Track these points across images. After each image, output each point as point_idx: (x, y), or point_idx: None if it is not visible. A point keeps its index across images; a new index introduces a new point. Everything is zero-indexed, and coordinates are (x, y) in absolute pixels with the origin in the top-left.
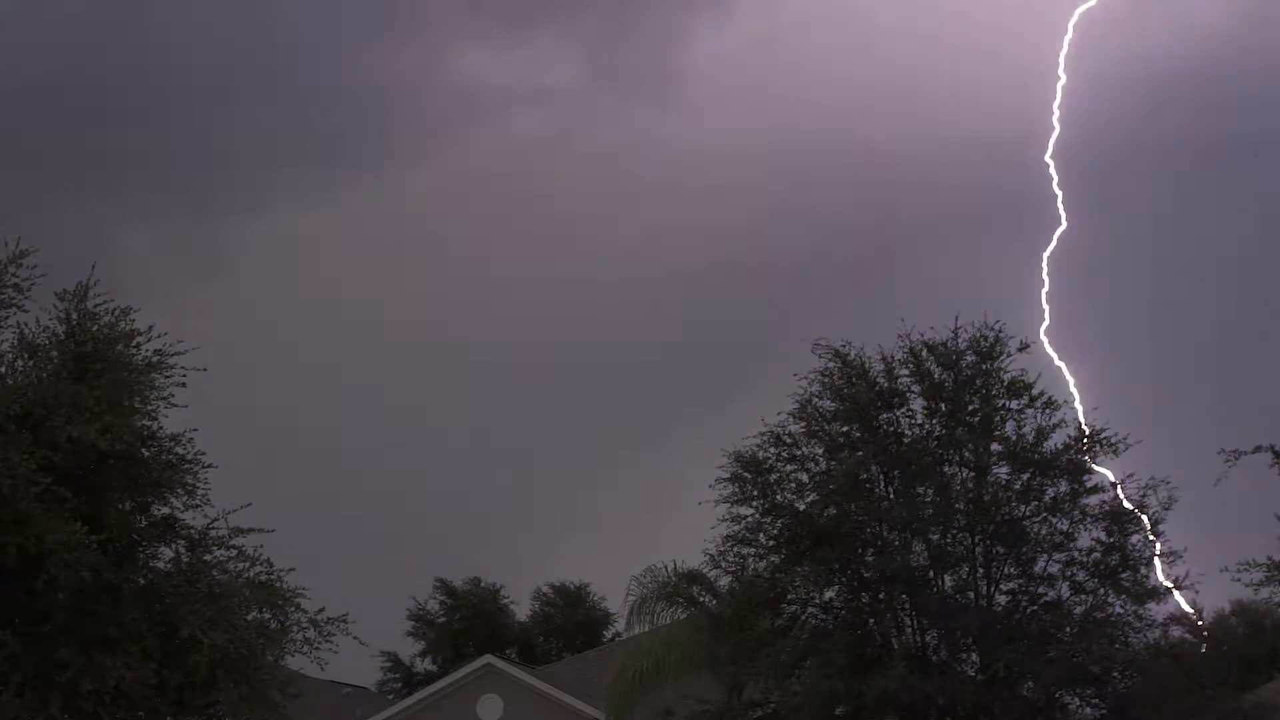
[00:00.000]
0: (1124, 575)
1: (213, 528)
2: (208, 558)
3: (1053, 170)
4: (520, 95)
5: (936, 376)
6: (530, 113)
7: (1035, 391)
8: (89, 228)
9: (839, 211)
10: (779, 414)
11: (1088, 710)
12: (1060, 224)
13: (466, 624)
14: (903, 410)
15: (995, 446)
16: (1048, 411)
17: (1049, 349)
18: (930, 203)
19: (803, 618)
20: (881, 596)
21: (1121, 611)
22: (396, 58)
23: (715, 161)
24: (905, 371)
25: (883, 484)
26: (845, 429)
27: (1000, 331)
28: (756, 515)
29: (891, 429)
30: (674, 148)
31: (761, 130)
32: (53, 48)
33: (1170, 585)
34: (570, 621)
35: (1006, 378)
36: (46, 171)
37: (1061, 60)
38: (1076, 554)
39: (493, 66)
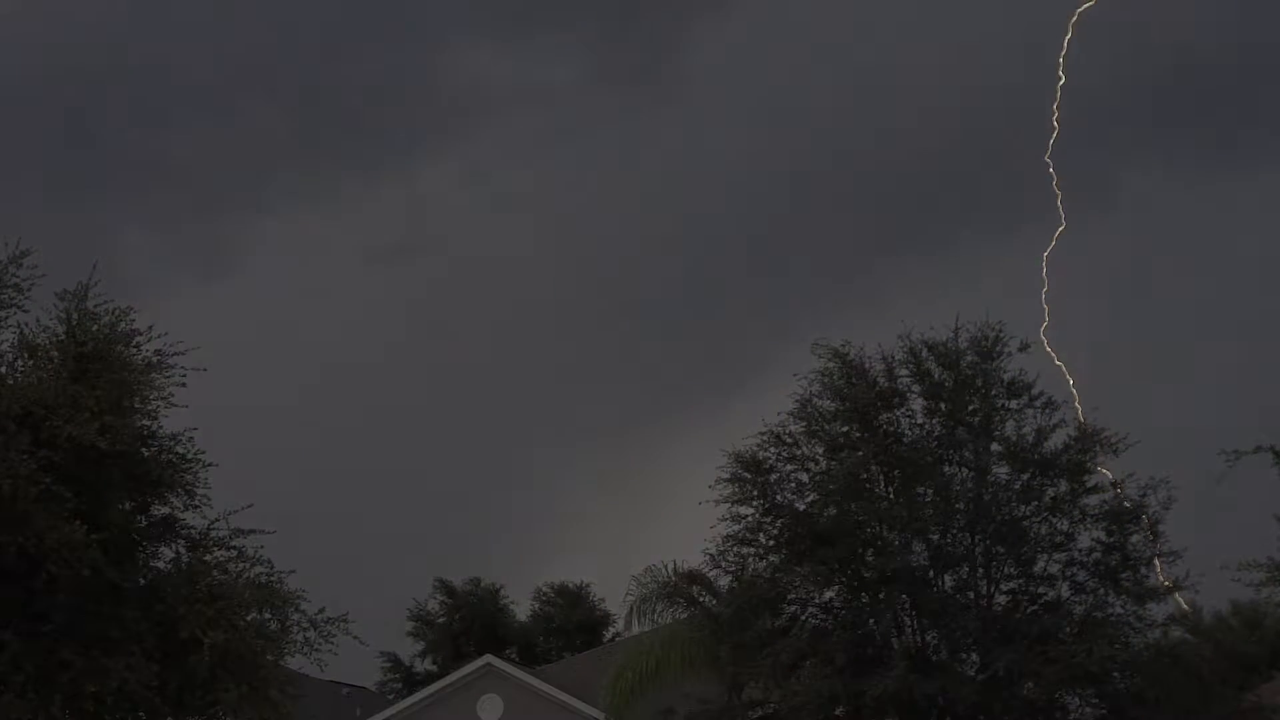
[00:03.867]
0: (1124, 575)
1: (213, 528)
2: (208, 558)
3: (1052, 170)
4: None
5: (936, 376)
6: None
7: (1035, 391)
8: (90, 228)
9: (840, 210)
10: (779, 414)
11: (1088, 710)
12: (1060, 224)
13: (466, 624)
14: (903, 410)
15: (995, 446)
16: (1048, 411)
17: (1049, 349)
18: (931, 202)
19: (803, 618)
20: (881, 596)
21: (1121, 611)
22: (397, 56)
23: (716, 158)
24: (905, 371)
25: (883, 484)
26: (845, 429)
27: (1000, 331)
28: (756, 515)
29: (891, 429)
30: (675, 145)
31: (762, 128)
32: (52, 47)
33: (1170, 585)
34: (570, 621)
35: (1006, 378)
36: (47, 171)
37: (1061, 60)
38: (1076, 554)
39: (494, 65)
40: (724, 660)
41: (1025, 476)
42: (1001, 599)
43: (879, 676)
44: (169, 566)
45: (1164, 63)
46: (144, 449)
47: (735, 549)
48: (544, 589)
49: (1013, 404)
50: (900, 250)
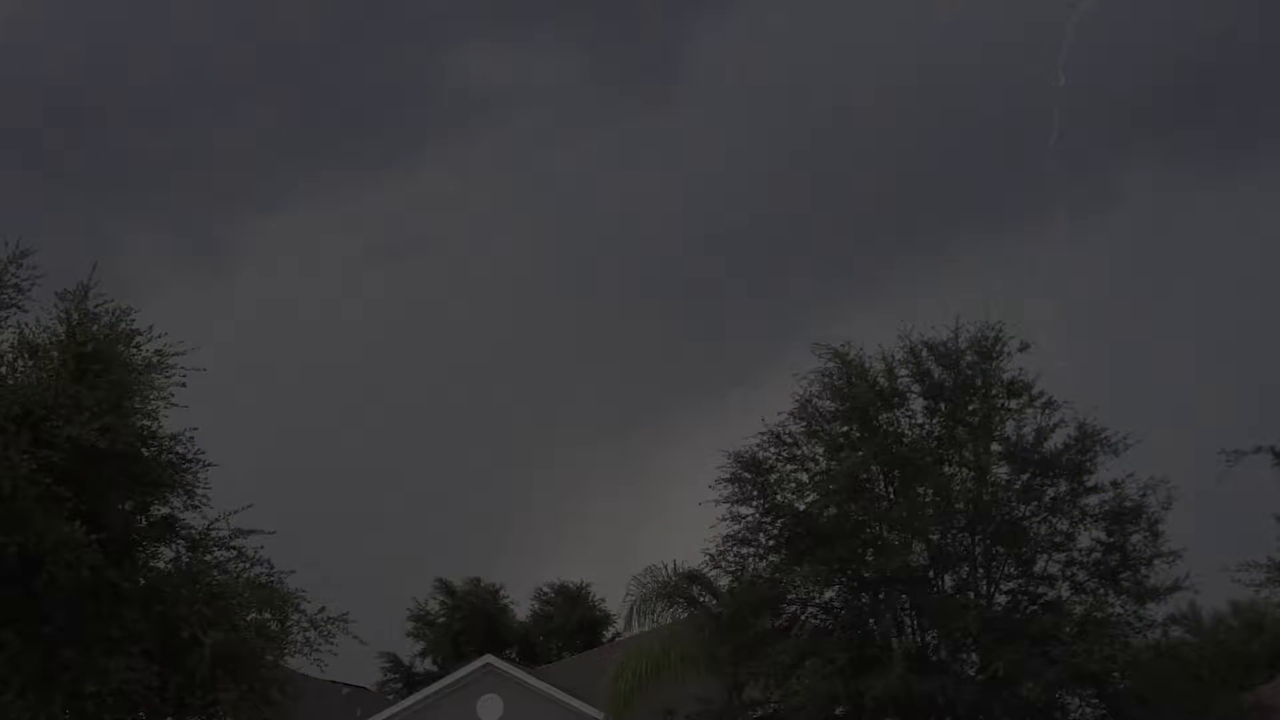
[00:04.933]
0: (1124, 575)
1: (213, 528)
2: (208, 558)
3: (1052, 171)
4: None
5: (936, 376)
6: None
7: (1035, 391)
8: (89, 227)
9: (839, 208)
10: (779, 414)
11: (1088, 710)
12: (1061, 225)
13: (466, 624)
14: (903, 410)
15: (995, 446)
16: (1048, 411)
17: (1049, 349)
18: (931, 202)
19: (803, 618)
20: (881, 596)
21: (1121, 611)
22: (397, 56)
23: (715, 157)
24: (905, 371)
25: (883, 484)
26: (845, 429)
27: (1000, 331)
28: (756, 515)
29: (891, 429)
30: (673, 144)
31: (761, 126)
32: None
33: (1170, 585)
34: (570, 621)
35: (1006, 378)
36: (48, 171)
37: (1061, 61)
38: (1076, 554)
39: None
40: (724, 660)
41: (1025, 476)
42: (1001, 599)
43: (879, 676)
44: (169, 566)
45: (1164, 62)
46: (144, 449)
47: (735, 549)
48: (544, 589)
49: (1013, 404)
50: (900, 249)
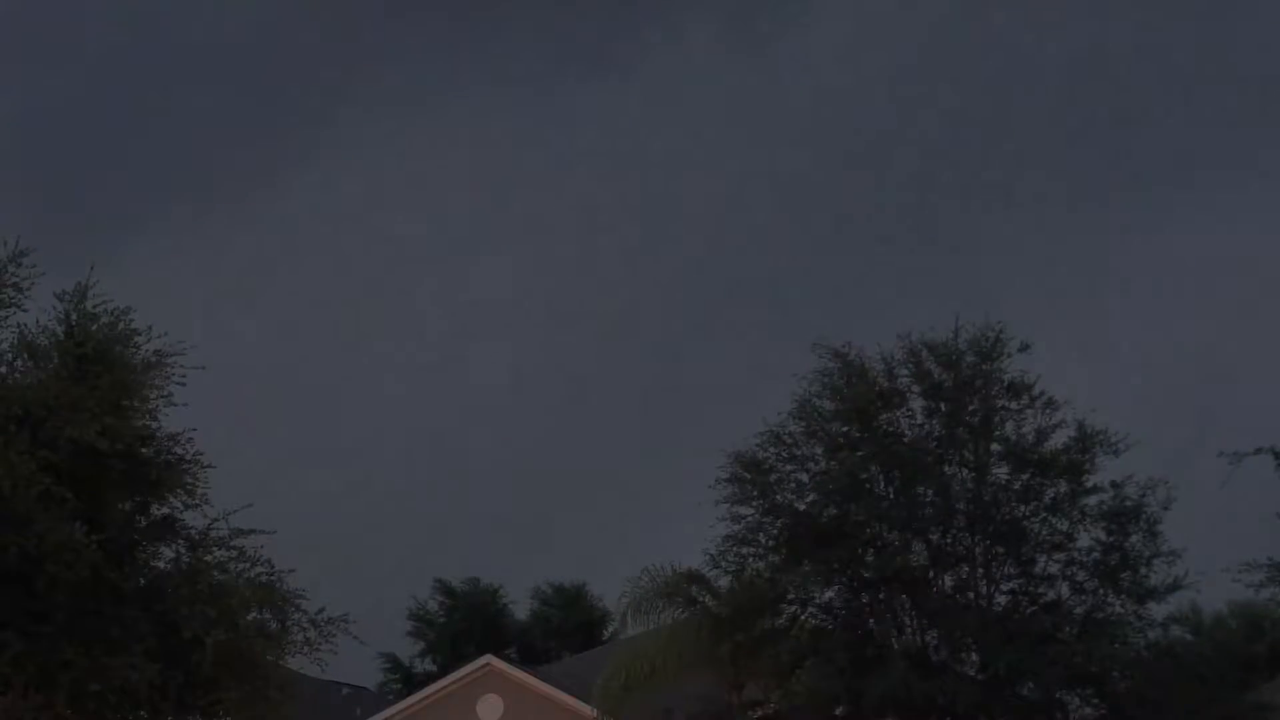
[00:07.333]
0: (1124, 575)
1: (213, 528)
2: (208, 558)
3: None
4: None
5: (936, 376)
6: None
7: (1035, 392)
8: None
9: (838, 209)
10: (779, 413)
11: (1088, 710)
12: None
13: (466, 624)
14: (903, 410)
15: (995, 446)
16: (1048, 411)
17: (1049, 349)
18: (929, 201)
19: (803, 618)
20: (881, 596)
21: (1121, 611)
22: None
23: (712, 157)
24: (905, 371)
25: (883, 484)
26: (845, 429)
27: (1000, 332)
28: (756, 515)
29: (891, 429)
30: (675, 145)
31: (757, 124)
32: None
33: (1170, 585)
34: (569, 621)
35: (1006, 378)
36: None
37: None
38: (1076, 554)
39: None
40: (724, 660)
41: (1025, 476)
42: (1001, 599)
43: (879, 676)
44: (169, 566)
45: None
46: (144, 449)
47: (735, 549)
48: (543, 589)
49: (1012, 404)
50: (899, 248)
